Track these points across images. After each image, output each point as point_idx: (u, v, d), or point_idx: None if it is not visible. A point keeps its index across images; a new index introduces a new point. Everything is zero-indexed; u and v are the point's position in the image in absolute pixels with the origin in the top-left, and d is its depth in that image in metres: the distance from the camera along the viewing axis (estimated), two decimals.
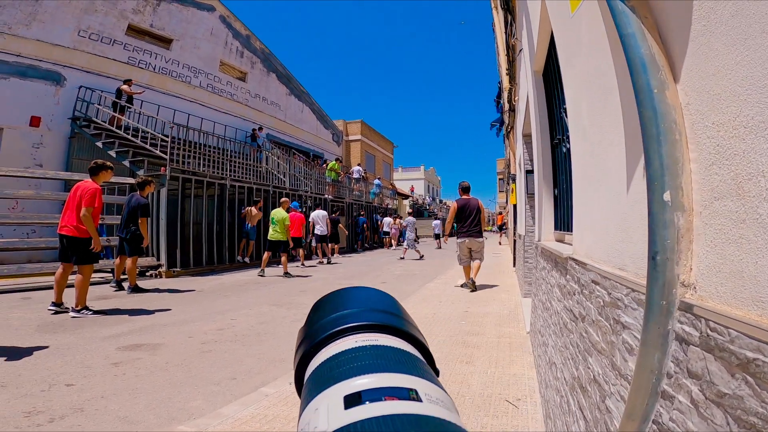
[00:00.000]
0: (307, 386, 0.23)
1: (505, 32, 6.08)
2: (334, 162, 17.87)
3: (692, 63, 0.64)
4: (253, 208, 10.35)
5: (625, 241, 0.96)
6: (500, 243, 22.42)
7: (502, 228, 25.38)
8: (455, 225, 6.63)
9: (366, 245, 17.45)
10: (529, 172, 5.11)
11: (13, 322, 4.37)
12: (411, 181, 45.79)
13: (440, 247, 17.71)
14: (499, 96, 10.82)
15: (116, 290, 6.49)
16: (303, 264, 10.71)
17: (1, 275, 6.50)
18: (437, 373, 0.26)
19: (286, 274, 8.45)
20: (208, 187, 9.57)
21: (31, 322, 4.39)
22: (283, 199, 9.00)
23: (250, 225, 10.45)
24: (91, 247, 4.78)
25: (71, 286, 4.82)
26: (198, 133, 12.35)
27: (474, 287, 6.26)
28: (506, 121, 8.90)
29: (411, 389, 0.20)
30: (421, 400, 0.19)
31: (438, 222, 19.73)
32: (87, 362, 3.19)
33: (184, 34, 14.32)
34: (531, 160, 5.06)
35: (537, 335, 2.95)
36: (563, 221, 2.37)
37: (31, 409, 2.33)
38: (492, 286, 6.81)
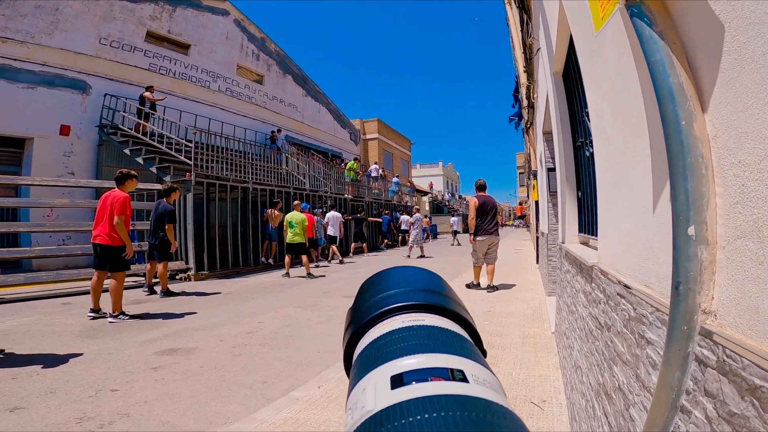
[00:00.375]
0: (356, 366, 0.24)
1: (521, 31, 5.99)
2: (352, 162, 17.99)
3: (721, 95, 0.64)
4: (274, 210, 10.56)
5: (650, 260, 0.98)
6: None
7: (523, 218, 25.22)
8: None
9: (389, 243, 17.52)
10: (551, 170, 5.06)
11: (56, 327, 4.60)
12: (429, 177, 45.58)
13: (459, 244, 17.65)
14: (517, 90, 10.68)
15: (148, 294, 6.75)
16: (317, 264, 10.84)
17: (41, 281, 6.83)
18: (485, 354, 0.26)
19: (309, 275, 8.61)
20: (231, 190, 9.80)
21: (72, 327, 4.62)
22: (296, 202, 9.14)
23: (272, 227, 10.66)
24: (125, 254, 5.00)
25: (107, 290, 5.05)
26: (219, 137, 12.64)
27: (495, 288, 6.27)
28: (525, 117, 8.78)
29: (458, 370, 0.20)
30: (467, 381, 0.19)
31: (456, 219, 19.61)
32: (128, 367, 3.35)
33: (201, 39, 14.63)
34: (552, 158, 5.01)
35: (562, 337, 2.95)
36: (587, 224, 2.36)
37: (81, 416, 2.48)
38: (514, 285, 6.79)
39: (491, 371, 0.21)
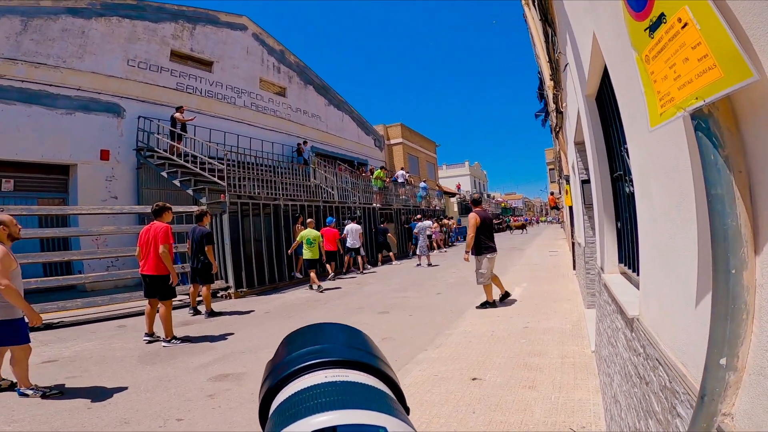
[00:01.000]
0: (272, 420, 0.23)
1: (545, 42, 5.93)
2: (379, 170, 18.15)
3: None
4: (299, 225, 10.84)
5: (688, 344, 1.05)
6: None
7: (556, 209, 24.65)
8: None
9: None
10: (585, 182, 5.02)
11: (117, 352, 4.95)
12: (457, 178, 45.29)
13: None
14: (541, 87, 10.51)
15: (193, 315, 7.09)
16: (332, 278, 10.88)
17: (97, 305, 7.31)
18: (407, 411, 0.26)
19: (318, 288, 9.03)
20: (263, 207, 10.13)
21: (131, 352, 4.96)
22: (309, 220, 9.59)
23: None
24: (170, 282, 5.34)
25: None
26: (248, 154, 13.01)
27: (508, 294, 6.31)
28: (554, 121, 8.67)
29: (380, 427, 0.20)
30: None
31: None
32: (187, 394, 3.60)
33: (223, 55, 15.03)
34: (586, 170, 4.95)
35: (602, 362, 2.97)
36: (627, 257, 2.38)
37: None
38: (552, 295, 6.74)
39: (413, 428, 0.21)
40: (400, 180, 20.45)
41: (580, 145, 5.17)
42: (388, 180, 18.80)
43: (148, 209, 8.71)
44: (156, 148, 11.26)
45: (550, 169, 36.92)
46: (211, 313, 6.94)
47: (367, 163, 22.75)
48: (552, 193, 29.43)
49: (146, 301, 5.52)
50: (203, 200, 9.51)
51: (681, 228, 1.10)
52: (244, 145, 14.55)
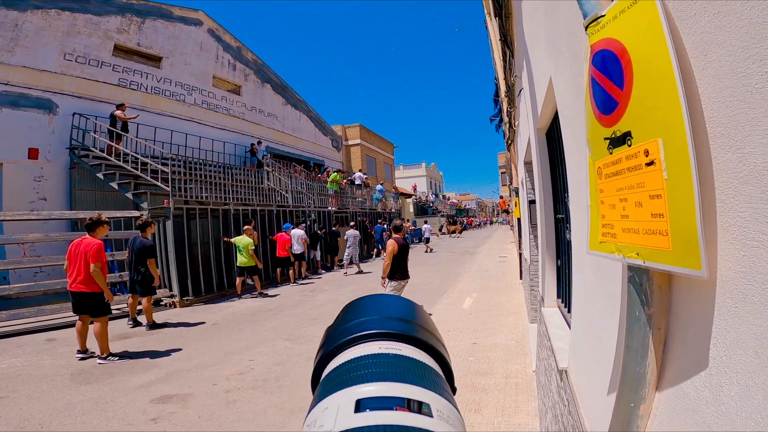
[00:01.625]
0: (322, 385, 0.24)
1: (503, 64, 6.03)
2: (335, 174, 17.97)
3: (672, 387, 0.69)
4: (249, 228, 10.52)
5: (600, 421, 1.08)
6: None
7: (507, 213, 25.43)
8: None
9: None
10: (532, 202, 5.19)
11: (47, 370, 4.58)
12: (413, 179, 45.83)
13: (431, 251, 17.84)
14: (497, 94, 10.74)
15: (133, 326, 6.67)
16: (295, 282, 10.87)
17: (23, 317, 6.67)
18: (454, 391, 0.26)
19: (261, 294, 9.06)
20: (212, 212, 9.71)
21: (63, 369, 4.61)
22: (245, 227, 9.28)
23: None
24: (105, 300, 4.98)
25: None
26: (197, 153, 12.36)
27: None
28: (507, 134, 8.93)
29: (424, 403, 0.20)
30: (432, 416, 0.19)
31: (428, 227, 19.60)
32: (127, 418, 3.41)
33: (174, 50, 14.31)
34: (533, 190, 5.11)
35: (541, 388, 3.06)
36: (564, 294, 2.46)
37: None
38: (500, 307, 6.91)
39: (457, 409, 0.22)
40: (357, 182, 20.36)
41: (528, 165, 5.32)
42: (344, 183, 18.65)
43: (81, 215, 8.13)
44: (92, 148, 10.50)
45: (501, 173, 38.19)
46: (153, 326, 6.56)
47: (324, 164, 22.49)
48: (502, 197, 30.46)
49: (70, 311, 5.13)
50: (144, 205, 8.97)
51: (606, 327, 1.12)
52: (192, 145, 13.89)
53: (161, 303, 8.21)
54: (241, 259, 8.90)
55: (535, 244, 5.02)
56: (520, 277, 8.87)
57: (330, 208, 15.42)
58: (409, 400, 0.20)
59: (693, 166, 0.57)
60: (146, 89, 13.38)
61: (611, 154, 0.79)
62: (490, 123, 13.48)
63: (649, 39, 0.66)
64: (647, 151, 0.66)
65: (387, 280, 5.79)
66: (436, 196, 47.92)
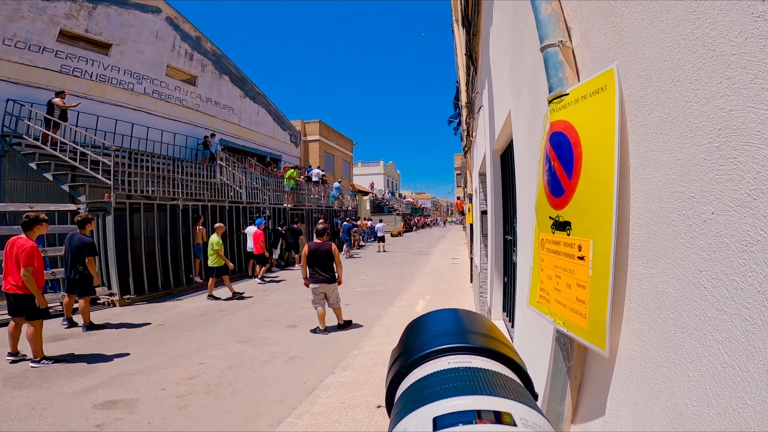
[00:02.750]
0: (398, 405, 0.24)
1: (466, 77, 6.15)
2: (292, 170, 17.67)
3: None
4: (198, 226, 10.16)
5: None
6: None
7: (462, 213, 25.79)
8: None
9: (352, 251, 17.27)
10: (484, 213, 5.38)
11: None
12: (371, 176, 45.92)
13: (384, 251, 18.05)
14: (457, 97, 10.89)
15: (68, 327, 6.28)
16: (263, 280, 10.63)
17: None
18: (536, 397, 0.25)
19: (235, 294, 8.61)
20: (159, 207, 9.25)
21: None
22: (217, 225, 8.88)
23: (199, 243, 10.22)
24: (38, 305, 4.66)
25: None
26: (145, 144, 11.68)
27: (348, 323, 6.27)
28: (464, 141, 9.18)
29: (505, 413, 0.19)
30: (515, 425, 0.18)
31: (381, 225, 19.60)
32: (70, 425, 3.23)
33: (126, 38, 13.50)
34: (485, 202, 5.31)
35: None
36: (509, 310, 2.61)
37: None
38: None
39: (542, 414, 0.21)
40: (314, 179, 20.15)
41: (483, 177, 5.51)
42: (301, 179, 18.40)
43: (10, 208, 7.50)
44: (25, 135, 9.70)
45: (457, 174, 39.09)
46: (91, 326, 6.18)
47: (281, 159, 22.07)
48: (459, 198, 31.13)
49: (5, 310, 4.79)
50: (82, 198, 8.40)
51: (537, 364, 1.22)
52: (140, 135, 13.15)
53: (98, 302, 7.74)
54: (211, 259, 8.52)
55: (485, 254, 5.23)
56: (471, 281, 9.14)
57: (286, 205, 15.16)
58: (489, 411, 0.19)
59: (611, 272, 0.69)
60: (91, 77, 12.54)
61: (554, 233, 0.87)
62: (448, 125, 13.77)
63: (601, 137, 0.72)
64: (580, 247, 0.75)
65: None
66: (393, 194, 48.33)
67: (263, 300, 8.49)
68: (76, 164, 9.00)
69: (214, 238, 8.50)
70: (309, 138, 26.73)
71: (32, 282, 4.57)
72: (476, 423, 0.18)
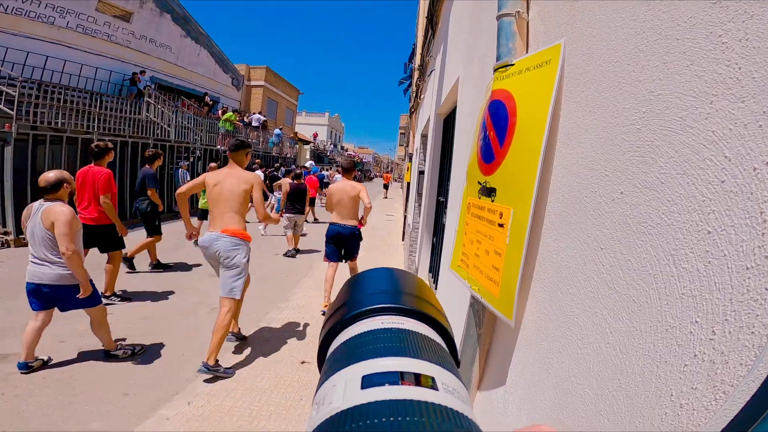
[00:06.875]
0: (329, 362, 0.24)
1: (423, 40, 5.88)
2: (230, 113, 16.56)
3: (484, 401, 0.87)
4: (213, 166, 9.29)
5: None
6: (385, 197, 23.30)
7: (386, 187, 25.89)
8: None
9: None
10: (421, 173, 5.42)
11: None
12: (315, 126, 44.39)
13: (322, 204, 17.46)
14: (411, 60, 10.70)
15: None
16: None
17: None
18: (458, 363, 0.26)
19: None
20: (69, 141, 8.26)
21: None
22: (211, 164, 8.21)
23: None
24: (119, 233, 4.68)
25: None
26: (61, 77, 10.39)
27: (297, 251, 7.97)
28: (412, 102, 9.07)
29: (429, 376, 0.20)
30: (437, 389, 0.19)
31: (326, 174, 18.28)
32: None
33: None
34: (424, 162, 5.35)
35: None
36: (435, 270, 2.69)
37: None
38: (380, 264, 7.15)
39: (462, 381, 0.21)
40: (254, 123, 19.18)
41: (424, 138, 5.52)
42: (239, 125, 17.36)
43: None
44: None
45: (401, 133, 39.14)
46: None
47: (219, 101, 20.68)
48: (388, 172, 31.31)
49: None
50: None
51: (454, 324, 1.29)
52: (55, 68, 11.53)
53: None
54: (203, 202, 7.74)
55: (419, 213, 5.33)
56: (402, 239, 9.35)
57: (219, 146, 14.31)
58: (414, 374, 0.20)
59: (526, 241, 0.69)
60: (5, 9, 10.69)
61: (480, 199, 0.87)
62: (398, 86, 13.59)
63: (536, 109, 0.71)
64: (501, 214, 0.75)
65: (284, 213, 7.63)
66: (335, 146, 47.52)
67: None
68: None
69: None
70: (252, 83, 25.39)
71: (112, 209, 4.53)
72: (401, 384, 0.19)
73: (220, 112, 17.42)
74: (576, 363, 0.56)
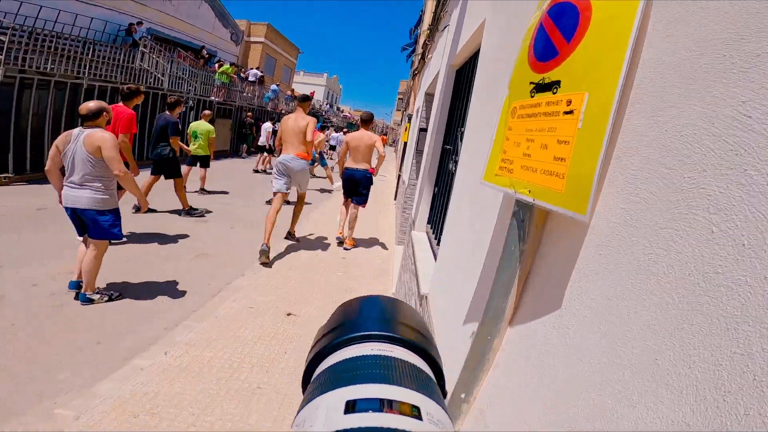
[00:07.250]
0: (314, 383, 0.24)
1: (437, 4, 5.58)
2: (227, 66, 15.99)
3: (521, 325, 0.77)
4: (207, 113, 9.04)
5: (451, 351, 1.20)
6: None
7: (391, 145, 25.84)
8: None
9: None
10: (423, 130, 5.29)
11: None
12: (312, 86, 43.51)
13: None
14: (417, 25, 10.52)
15: None
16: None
17: None
18: (445, 394, 0.26)
19: (202, 190, 7.96)
20: (57, 85, 7.91)
21: None
22: (204, 112, 8.00)
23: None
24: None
25: None
26: (53, 26, 9.90)
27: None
28: (416, 64, 8.78)
29: (414, 406, 0.19)
30: (421, 419, 0.19)
31: (337, 135, 18.25)
32: None
33: None
34: (426, 120, 5.22)
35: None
36: (435, 221, 2.61)
37: None
38: (373, 226, 7.03)
39: (447, 412, 0.21)
40: (251, 78, 18.65)
41: (429, 96, 5.35)
42: (235, 79, 16.83)
43: None
44: None
45: (399, 99, 38.58)
46: None
47: (217, 55, 20.05)
48: (384, 134, 31.15)
49: None
50: None
51: (474, 257, 1.18)
52: (48, 17, 10.90)
53: None
54: (196, 147, 7.52)
55: (416, 170, 5.24)
56: (395, 198, 9.25)
57: (212, 98, 13.90)
58: (398, 401, 0.19)
59: (610, 122, 0.59)
60: None
61: (532, 97, 0.81)
62: (401, 52, 13.27)
63: (621, 8, 0.63)
64: (570, 101, 0.68)
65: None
66: (331, 107, 46.73)
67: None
68: None
69: (207, 126, 7.59)
70: (252, 39, 24.80)
71: (129, 148, 4.54)
72: (384, 412, 0.18)
73: (216, 65, 16.85)
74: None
